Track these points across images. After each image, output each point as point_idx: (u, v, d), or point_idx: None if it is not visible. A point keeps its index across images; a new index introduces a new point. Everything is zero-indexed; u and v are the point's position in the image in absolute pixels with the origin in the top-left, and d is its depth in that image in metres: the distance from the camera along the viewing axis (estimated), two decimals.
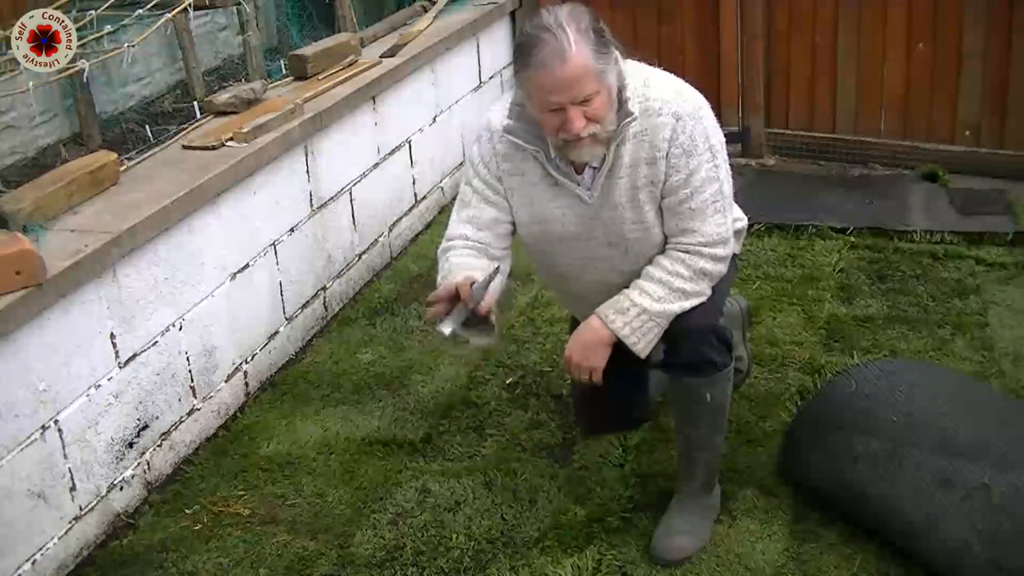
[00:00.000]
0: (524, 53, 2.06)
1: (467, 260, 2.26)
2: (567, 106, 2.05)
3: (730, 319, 2.68)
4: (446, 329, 2.02)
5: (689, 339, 2.22)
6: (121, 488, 2.64)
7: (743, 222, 2.47)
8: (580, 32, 2.02)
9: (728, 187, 2.21)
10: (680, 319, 2.21)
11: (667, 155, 2.15)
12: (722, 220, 2.19)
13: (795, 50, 4.62)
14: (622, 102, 2.12)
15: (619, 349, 2.22)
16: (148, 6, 3.20)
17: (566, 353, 2.25)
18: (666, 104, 2.15)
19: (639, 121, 2.14)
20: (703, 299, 2.21)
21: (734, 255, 2.40)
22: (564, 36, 2.01)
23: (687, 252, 2.20)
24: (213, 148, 3.05)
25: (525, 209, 2.30)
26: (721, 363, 2.28)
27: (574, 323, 2.60)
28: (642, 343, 2.19)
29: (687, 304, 2.20)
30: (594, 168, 2.21)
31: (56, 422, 2.43)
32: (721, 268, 2.22)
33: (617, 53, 2.12)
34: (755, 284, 3.52)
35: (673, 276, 2.19)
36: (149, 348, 2.72)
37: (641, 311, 2.18)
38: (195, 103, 3.81)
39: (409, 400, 3.06)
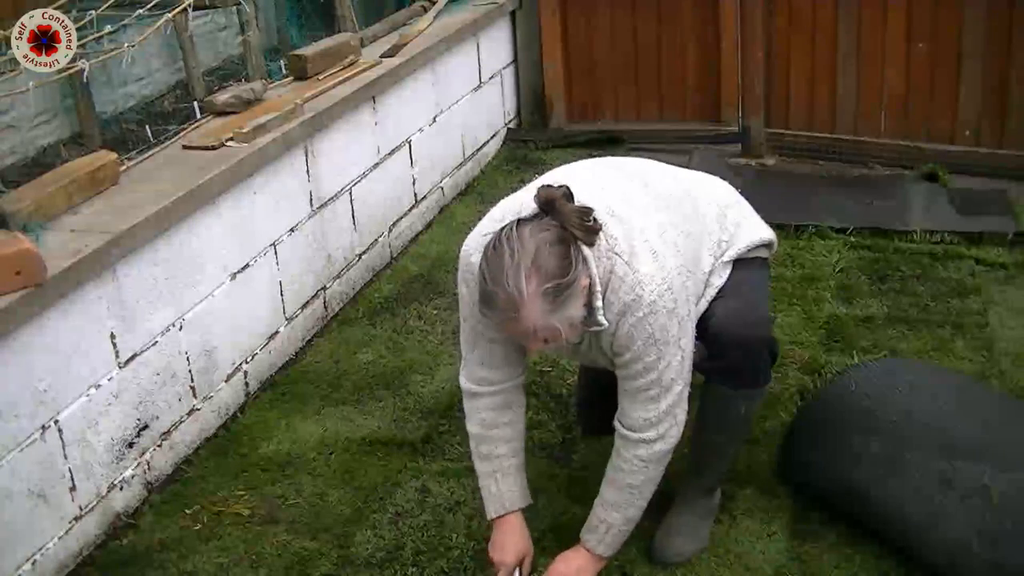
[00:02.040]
0: (482, 296, 1.96)
1: (493, 431, 2.30)
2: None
3: None
4: None
5: (740, 349, 2.17)
6: (121, 488, 2.64)
7: (768, 235, 2.38)
8: (535, 291, 1.88)
9: (673, 373, 2.09)
10: (732, 324, 2.16)
11: (611, 344, 2.10)
12: (653, 406, 2.12)
13: (795, 50, 4.62)
14: (592, 311, 2.02)
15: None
16: (148, 6, 3.19)
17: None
18: (628, 297, 2.04)
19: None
20: (656, 483, 2.21)
21: (765, 260, 2.39)
22: (518, 296, 1.88)
23: (623, 440, 2.17)
24: (213, 148, 3.05)
25: None
26: (764, 379, 2.26)
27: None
28: (616, 549, 2.28)
29: (648, 493, 2.21)
30: None
31: (56, 422, 2.43)
32: (659, 447, 2.16)
33: (591, 265, 1.97)
34: None
35: (617, 472, 2.20)
36: (149, 348, 2.72)
37: (608, 526, 2.23)
38: (195, 103, 3.82)
39: (409, 400, 3.06)
